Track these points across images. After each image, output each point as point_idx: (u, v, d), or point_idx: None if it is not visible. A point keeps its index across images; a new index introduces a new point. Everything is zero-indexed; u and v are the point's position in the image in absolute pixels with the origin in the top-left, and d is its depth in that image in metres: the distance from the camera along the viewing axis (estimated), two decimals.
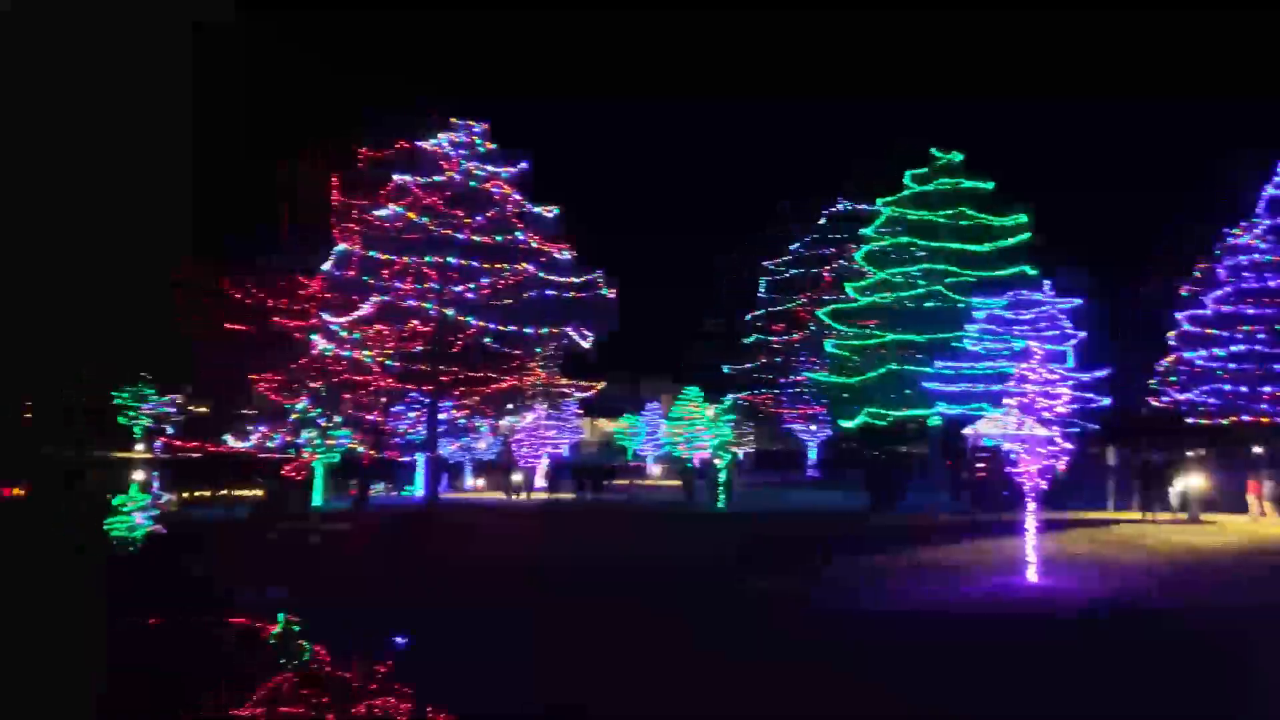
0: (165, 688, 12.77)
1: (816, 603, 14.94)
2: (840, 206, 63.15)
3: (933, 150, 47.40)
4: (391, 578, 20.24)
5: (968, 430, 37.20)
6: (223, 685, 12.60)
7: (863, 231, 50.26)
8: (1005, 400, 16.49)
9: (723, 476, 37.45)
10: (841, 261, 57.85)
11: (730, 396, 63.14)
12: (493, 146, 22.44)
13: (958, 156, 47.07)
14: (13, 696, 11.92)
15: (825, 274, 60.79)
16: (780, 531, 24.87)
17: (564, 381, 29.54)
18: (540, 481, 43.66)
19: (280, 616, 17.42)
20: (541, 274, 21.32)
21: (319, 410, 29.57)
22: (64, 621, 17.38)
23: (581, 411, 57.48)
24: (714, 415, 58.01)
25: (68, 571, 24.96)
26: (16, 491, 59.89)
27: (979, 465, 28.15)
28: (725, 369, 65.22)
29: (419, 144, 22.33)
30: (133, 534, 32.87)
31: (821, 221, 63.94)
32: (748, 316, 65.52)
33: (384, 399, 26.00)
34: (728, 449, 36.53)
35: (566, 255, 21.52)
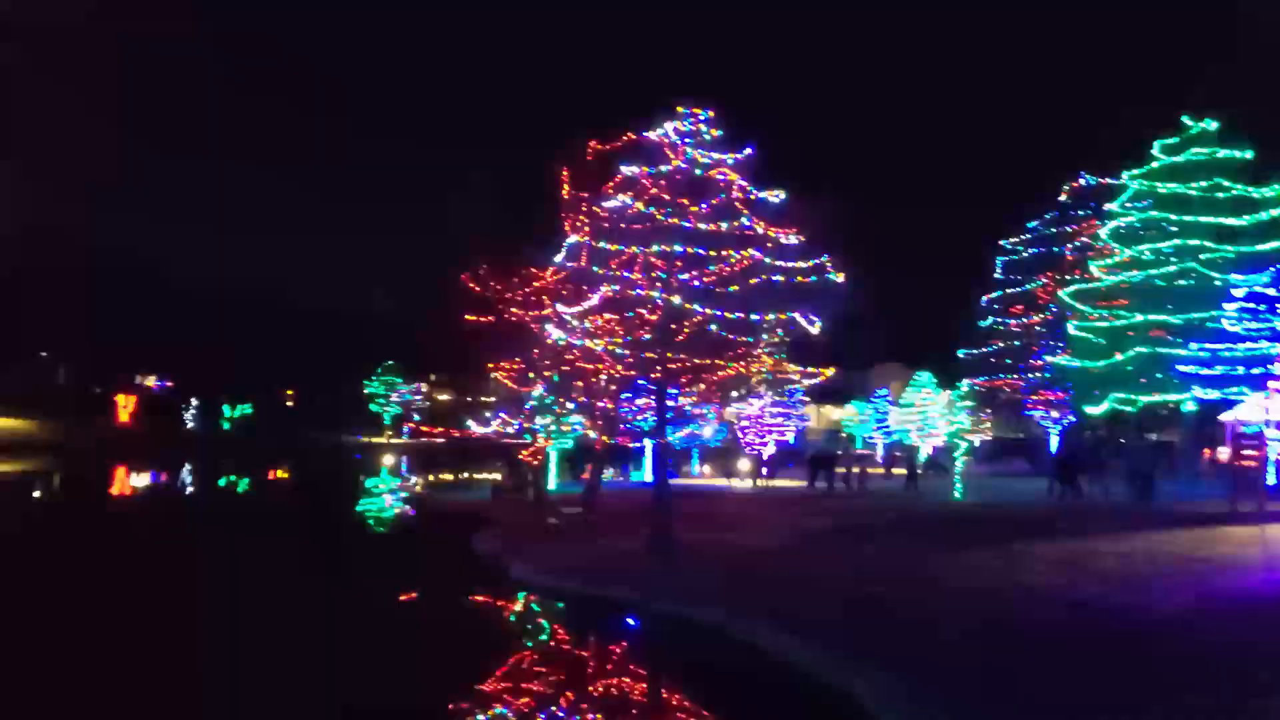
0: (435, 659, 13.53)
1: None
2: (1082, 181, 59.90)
3: (1184, 118, 44.16)
4: (632, 559, 20.72)
5: (1226, 416, 34.69)
6: (485, 658, 13.23)
7: (1108, 207, 47.49)
8: (1270, 384, 15.13)
9: (960, 466, 36.27)
10: (1084, 239, 54.86)
11: (965, 382, 60.99)
12: (719, 133, 22.41)
13: (1212, 124, 43.67)
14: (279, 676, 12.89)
15: (1067, 252, 57.77)
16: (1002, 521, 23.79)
17: (791, 368, 29.27)
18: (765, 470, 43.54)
19: (520, 595, 18.00)
20: (768, 259, 21.11)
21: (553, 397, 30.49)
22: (331, 595, 18.59)
23: (808, 399, 56.91)
24: (948, 402, 56.24)
25: (330, 548, 26.73)
26: (282, 474, 64.72)
27: (1245, 453, 26.03)
28: (960, 354, 63.07)
29: (645, 134, 22.56)
30: (384, 514, 34.93)
31: (1061, 198, 60.89)
32: (983, 299, 63.10)
33: (614, 386, 26.48)
34: (964, 437, 35.34)
35: (794, 239, 21.22)
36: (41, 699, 11.54)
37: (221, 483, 55.72)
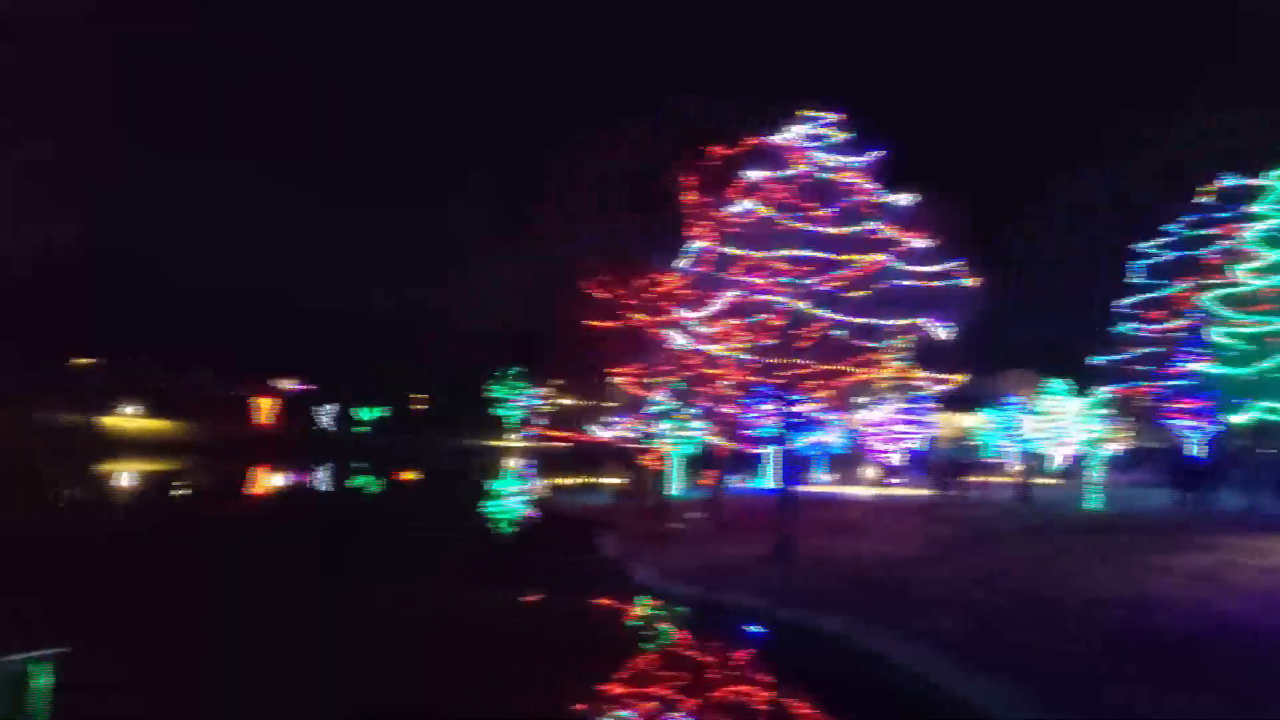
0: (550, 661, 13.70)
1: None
2: (1224, 182, 57.30)
3: None
4: (755, 566, 20.58)
5: None
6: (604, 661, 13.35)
7: (1252, 209, 45.31)
8: None
9: (1093, 474, 35.15)
10: (1227, 242, 52.43)
11: (1101, 390, 58.99)
12: (846, 137, 22.16)
13: None
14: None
15: (1209, 256, 55.29)
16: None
17: (919, 374, 28.72)
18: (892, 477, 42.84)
19: (642, 600, 18.01)
20: (897, 264, 20.78)
21: (676, 403, 30.55)
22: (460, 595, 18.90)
23: (937, 405, 55.81)
24: (1082, 409, 54.52)
25: (457, 550, 27.20)
26: (410, 475, 66.18)
27: None
28: (1095, 360, 60.98)
29: (770, 139, 22.46)
30: (509, 517, 35.39)
31: (1202, 199, 58.34)
32: (1120, 304, 60.92)
33: (736, 392, 26.39)
34: (1100, 445, 34.21)
35: (924, 243, 20.85)
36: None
37: (354, 483, 57.38)
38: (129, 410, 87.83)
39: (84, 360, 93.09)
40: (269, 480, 57.85)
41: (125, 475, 55.48)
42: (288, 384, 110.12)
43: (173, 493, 48.58)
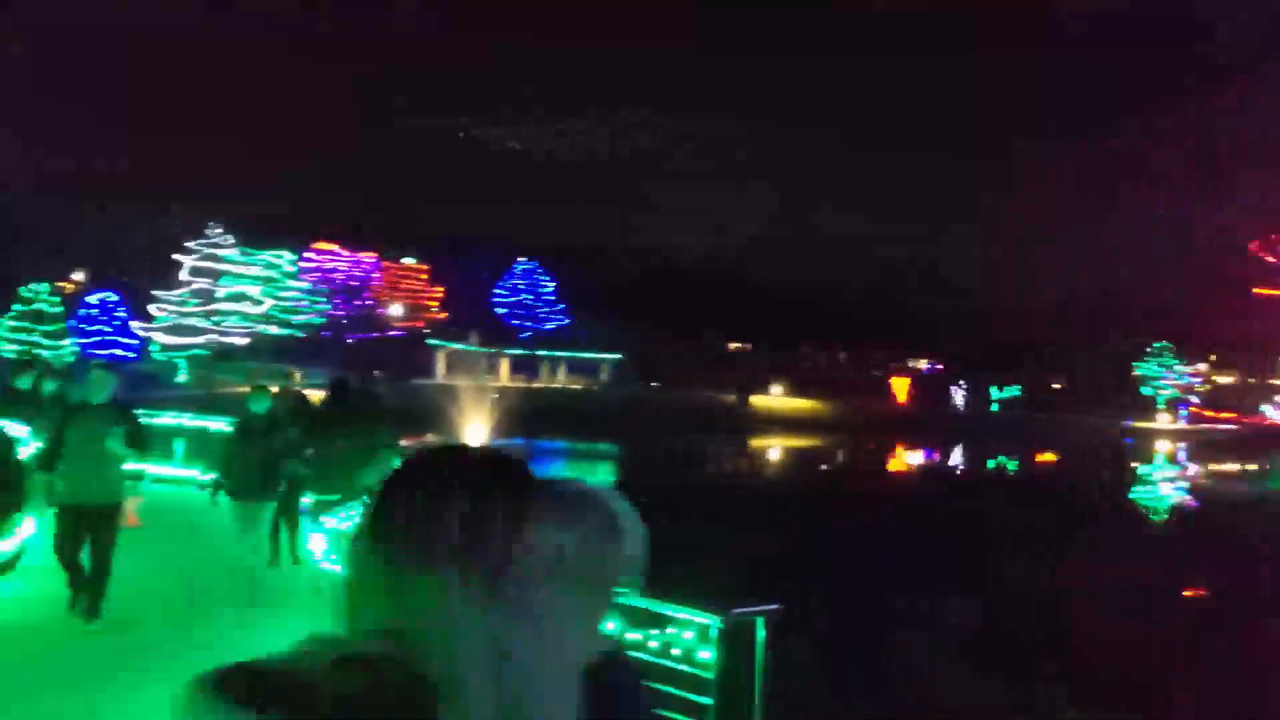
0: None
1: None
2: None
3: None
4: None
5: None
6: None
7: None
8: None
9: None
10: None
11: None
12: None
13: None
14: None
15: None
16: None
17: None
18: None
19: None
20: None
21: None
22: None
23: None
24: None
25: (1103, 537, 25.85)
26: (1048, 458, 64.12)
27: None
28: None
29: None
30: (1159, 504, 32.98)
31: None
32: None
33: None
34: None
35: None
36: None
37: (990, 464, 56.83)
38: (776, 390, 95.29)
39: (737, 345, 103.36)
40: (906, 458, 59.33)
41: (773, 450, 60.28)
42: (922, 364, 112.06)
43: (822, 467, 51.92)
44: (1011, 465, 55.85)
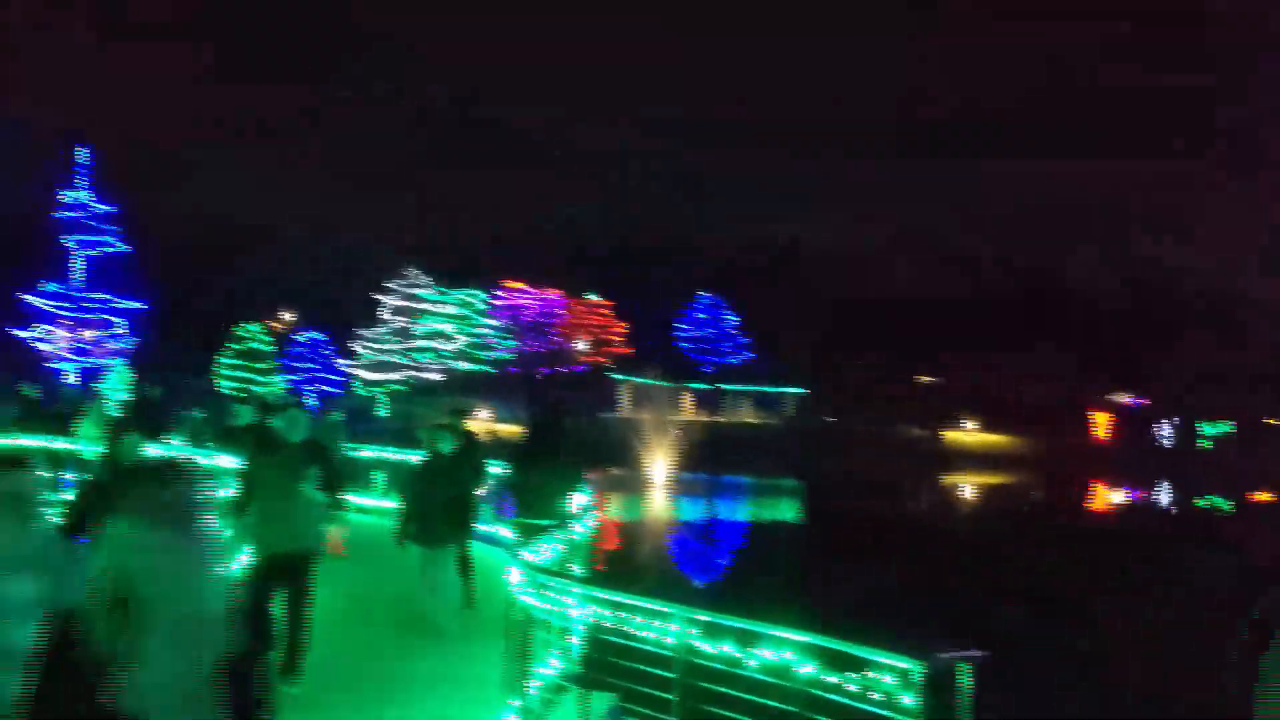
0: None
1: None
2: None
3: None
4: None
5: None
6: None
7: None
8: None
9: None
10: None
11: None
12: None
13: None
14: None
15: None
16: None
17: None
18: None
19: None
20: None
21: None
22: None
23: None
24: None
25: None
26: (1265, 496, 59.73)
27: None
28: None
29: None
30: None
31: None
32: None
33: None
34: None
35: None
36: None
37: (1200, 503, 53.50)
38: (968, 425, 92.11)
39: (927, 378, 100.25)
40: (1108, 496, 56.40)
41: (966, 488, 58.28)
42: (1126, 397, 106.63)
43: (1020, 506, 50.03)
44: (1223, 505, 52.40)
